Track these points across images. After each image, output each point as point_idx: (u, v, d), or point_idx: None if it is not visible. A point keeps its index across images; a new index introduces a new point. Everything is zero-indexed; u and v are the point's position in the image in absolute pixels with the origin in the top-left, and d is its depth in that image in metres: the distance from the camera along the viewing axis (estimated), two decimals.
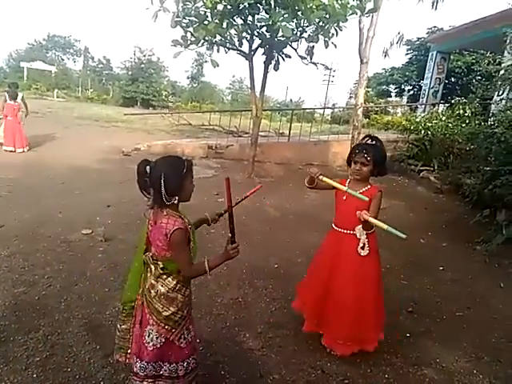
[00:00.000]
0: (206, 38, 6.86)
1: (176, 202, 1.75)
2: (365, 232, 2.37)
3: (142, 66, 38.69)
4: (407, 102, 24.69)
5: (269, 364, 2.49)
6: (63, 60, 58.96)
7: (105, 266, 3.63)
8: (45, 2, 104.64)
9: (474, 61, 20.53)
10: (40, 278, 3.30)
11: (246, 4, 6.39)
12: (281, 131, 12.93)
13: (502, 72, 6.72)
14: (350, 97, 38.33)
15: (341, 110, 25.85)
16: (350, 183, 2.51)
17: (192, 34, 6.90)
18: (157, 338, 1.80)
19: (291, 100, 52.66)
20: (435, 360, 2.69)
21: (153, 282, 1.81)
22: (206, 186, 6.63)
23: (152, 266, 1.82)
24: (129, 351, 1.93)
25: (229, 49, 7.49)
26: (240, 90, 55.67)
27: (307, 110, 22.09)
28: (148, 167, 1.71)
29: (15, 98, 9.09)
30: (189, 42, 6.97)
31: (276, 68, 7.76)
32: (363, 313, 2.48)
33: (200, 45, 7.10)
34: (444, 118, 10.01)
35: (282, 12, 6.42)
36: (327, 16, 6.41)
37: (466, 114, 9.83)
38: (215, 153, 10.12)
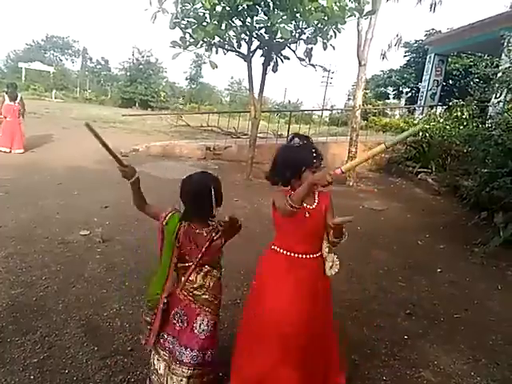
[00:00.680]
0: (205, 40, 6.87)
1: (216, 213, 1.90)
2: (331, 249, 1.96)
3: (141, 66, 38.70)
4: (405, 104, 24.74)
5: None
6: (61, 61, 58.83)
7: (102, 267, 3.62)
8: (43, 3, 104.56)
9: (471, 63, 20.59)
10: (37, 279, 3.29)
11: (244, 6, 6.39)
12: (279, 133, 12.94)
13: (499, 74, 6.74)
14: (349, 99, 38.37)
15: (339, 111, 25.90)
16: None
17: (191, 36, 6.91)
18: (207, 325, 1.92)
19: (289, 101, 52.69)
20: (433, 362, 2.70)
21: (201, 281, 1.94)
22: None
23: (198, 269, 1.94)
24: (147, 338, 2.01)
25: (227, 50, 7.49)
26: (238, 91, 55.70)
27: (305, 112, 22.14)
28: (196, 181, 1.92)
29: (15, 99, 9.06)
30: (187, 43, 6.97)
31: (274, 69, 7.77)
32: (327, 349, 2.07)
33: (199, 46, 7.10)
34: (442, 120, 10.05)
35: (281, 14, 6.43)
36: (326, 18, 6.42)
37: (464, 117, 9.88)
38: (213, 154, 10.13)
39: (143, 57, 39.38)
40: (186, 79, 50.21)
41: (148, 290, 2.13)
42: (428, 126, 9.84)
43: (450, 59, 16.85)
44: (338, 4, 6.42)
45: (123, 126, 16.35)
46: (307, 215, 1.90)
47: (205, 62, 40.82)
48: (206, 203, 1.83)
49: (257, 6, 6.61)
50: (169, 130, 15.96)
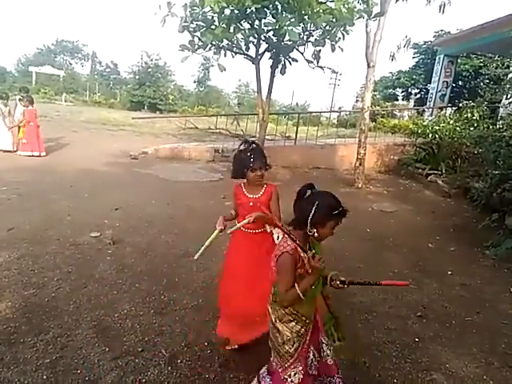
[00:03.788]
0: (214, 43, 6.91)
1: (312, 234, 1.73)
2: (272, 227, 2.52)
3: (149, 70, 39.00)
4: (414, 106, 24.58)
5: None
6: (71, 64, 59.58)
7: (113, 269, 3.65)
8: (53, 8, 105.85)
9: (481, 64, 20.42)
10: (49, 280, 3.33)
11: (252, 8, 6.42)
12: (287, 135, 12.96)
13: (510, 75, 6.70)
14: (357, 100, 38.30)
15: (347, 113, 25.82)
16: (247, 188, 2.56)
17: (199, 39, 6.96)
18: (272, 362, 1.81)
19: (297, 104, 52.66)
20: (444, 365, 2.67)
21: (269, 306, 1.82)
22: (213, 190, 6.66)
23: (272, 289, 1.82)
24: (286, 364, 1.82)
25: (236, 53, 7.53)
26: (246, 93, 55.80)
27: (313, 114, 22.07)
28: (310, 191, 1.79)
29: (32, 103, 9.23)
30: (196, 46, 7.02)
31: (282, 72, 7.78)
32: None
33: (207, 49, 7.15)
34: (452, 122, 9.95)
35: (289, 16, 6.44)
36: (334, 20, 6.42)
37: (474, 118, 9.78)
38: (222, 156, 10.16)
39: (152, 60, 39.68)
40: (194, 82, 50.46)
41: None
42: (438, 128, 9.76)
43: (459, 60, 16.70)
44: (346, 6, 6.41)
45: (132, 129, 16.50)
46: (251, 204, 2.49)
47: (213, 65, 41.01)
48: (305, 212, 1.75)
49: (265, 9, 6.63)
50: (177, 132, 16.05)
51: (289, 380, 1.77)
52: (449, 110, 13.01)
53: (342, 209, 1.75)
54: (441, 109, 13.24)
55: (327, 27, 6.74)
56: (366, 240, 5.24)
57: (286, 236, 1.70)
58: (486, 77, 20.91)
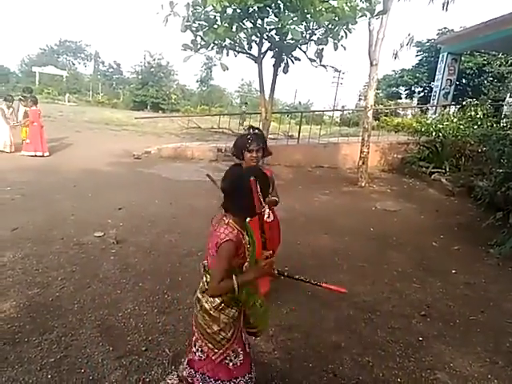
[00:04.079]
0: (216, 42, 6.92)
1: (247, 217, 1.76)
2: (267, 206, 2.79)
3: (152, 70, 39.06)
4: (417, 104, 24.51)
5: (280, 367, 2.48)
6: (74, 65, 59.83)
7: (117, 268, 3.66)
8: (56, 8, 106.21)
9: (485, 62, 20.35)
10: (53, 279, 3.34)
11: (255, 7, 6.42)
12: (290, 134, 12.93)
13: None
14: (360, 99, 38.16)
15: (350, 112, 25.77)
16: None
17: (202, 38, 6.96)
18: (200, 350, 1.77)
19: (300, 102, 52.62)
20: (449, 364, 2.66)
21: (199, 295, 1.76)
22: (215, 189, 6.65)
23: (204, 278, 1.76)
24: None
25: (238, 52, 7.53)
26: (249, 93, 55.77)
27: (316, 113, 22.02)
28: (240, 173, 1.72)
29: (36, 103, 9.28)
30: (199, 45, 7.03)
31: (285, 71, 7.77)
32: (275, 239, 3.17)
33: (210, 48, 7.16)
34: (455, 120, 9.92)
35: (292, 15, 6.44)
36: (336, 18, 6.41)
37: (478, 116, 9.74)
38: (224, 156, 10.16)
39: (154, 60, 39.74)
40: (197, 81, 50.49)
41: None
42: (441, 126, 9.72)
43: (463, 58, 16.63)
44: (348, 4, 6.40)
45: (135, 129, 16.53)
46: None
47: (215, 65, 41.07)
48: (244, 195, 1.68)
49: (267, 8, 6.63)
50: (180, 132, 16.08)
51: (230, 364, 1.76)
52: (452, 108, 12.95)
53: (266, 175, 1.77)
54: (444, 107, 13.16)
55: (330, 26, 6.73)
56: (370, 239, 5.23)
57: (228, 223, 1.67)
58: (490, 74, 20.84)
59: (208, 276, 1.72)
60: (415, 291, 3.75)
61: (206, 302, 1.71)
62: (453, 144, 9.37)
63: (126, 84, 48.47)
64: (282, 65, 7.73)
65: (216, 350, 1.73)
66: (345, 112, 25.89)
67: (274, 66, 7.80)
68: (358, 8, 6.59)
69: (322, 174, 9.78)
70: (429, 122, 10.54)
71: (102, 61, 60.00)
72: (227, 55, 7.46)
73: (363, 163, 8.62)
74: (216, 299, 1.69)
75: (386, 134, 12.49)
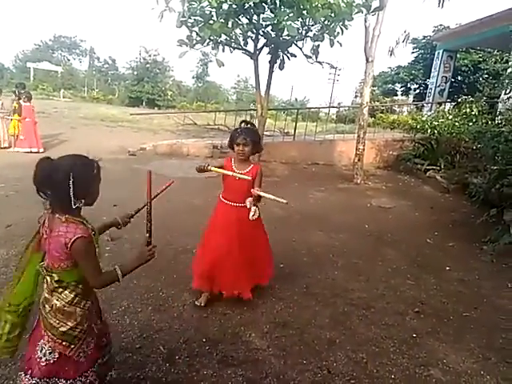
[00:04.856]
0: (212, 38, 6.87)
1: (81, 206, 1.61)
2: (254, 203, 2.77)
3: (148, 65, 38.90)
4: (413, 101, 24.56)
5: (275, 364, 2.49)
6: (69, 60, 59.42)
7: (112, 266, 3.61)
8: (51, 3, 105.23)
9: (480, 59, 20.40)
10: None
11: (251, 3, 6.38)
12: (286, 130, 12.91)
13: (509, 70, 6.68)
14: (356, 96, 38.22)
15: (346, 109, 25.79)
16: (236, 163, 2.95)
17: (197, 34, 6.92)
18: (50, 353, 1.64)
19: (296, 99, 52.58)
20: (442, 360, 2.68)
21: (47, 295, 1.66)
22: (211, 187, 6.61)
23: (47, 278, 1.64)
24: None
25: (234, 48, 7.49)
26: (245, 89, 55.67)
27: (312, 110, 22.00)
28: (51, 166, 1.53)
29: (30, 99, 9.19)
30: (194, 41, 6.99)
31: (281, 67, 7.75)
32: (258, 258, 3.10)
33: (205, 44, 7.11)
34: (451, 117, 9.95)
35: (287, 11, 6.41)
36: (332, 15, 6.39)
37: (473, 113, 9.77)
38: (220, 152, 10.13)
39: (150, 56, 39.58)
40: (193, 78, 50.38)
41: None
42: (437, 123, 9.75)
43: (458, 55, 16.65)
44: (344, 0, 6.38)
45: (131, 125, 16.45)
46: (237, 178, 2.71)
47: (211, 61, 40.90)
48: (61, 190, 1.55)
49: (263, 4, 6.60)
50: (176, 128, 16.02)
51: (82, 357, 1.70)
52: (448, 105, 12.99)
53: (95, 161, 1.66)
54: (440, 104, 13.21)
55: (326, 22, 6.71)
56: (365, 236, 5.24)
57: (67, 220, 1.56)
58: (485, 72, 20.91)
59: (54, 275, 1.62)
60: (409, 288, 3.77)
61: (58, 299, 1.63)
62: (448, 141, 9.40)
63: (122, 80, 48.27)
64: (278, 61, 7.70)
65: (72, 346, 1.66)
66: (341, 109, 25.92)
67: (269, 62, 7.77)
68: (354, 4, 6.56)
69: (317, 170, 9.79)
70: (424, 119, 10.57)
71: (97, 56, 59.73)
72: (223, 51, 7.42)
73: (359, 160, 8.63)
74: (70, 294, 1.64)
75: (381, 131, 12.52)
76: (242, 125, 3.00)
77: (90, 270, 1.63)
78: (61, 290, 1.64)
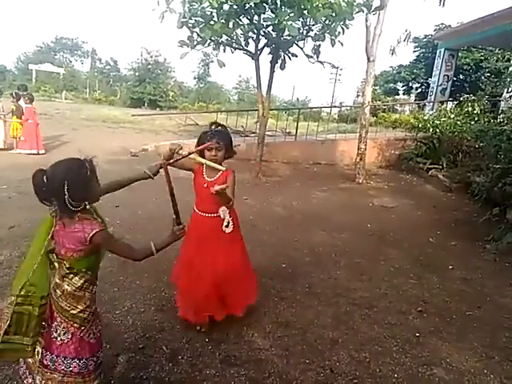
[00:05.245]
0: (213, 38, 6.88)
1: (87, 207, 1.72)
2: (228, 211, 2.47)
3: (149, 67, 38.99)
4: (415, 100, 24.52)
5: (277, 363, 2.49)
6: (71, 62, 59.55)
7: (114, 266, 3.65)
8: (52, 5, 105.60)
9: (482, 57, 20.35)
10: None
11: (251, 4, 6.39)
12: (288, 130, 12.92)
13: (511, 69, 6.65)
14: (357, 95, 38.21)
15: (348, 108, 25.79)
16: (206, 170, 2.60)
17: (198, 35, 6.93)
18: (64, 333, 1.76)
19: (298, 99, 52.61)
20: (445, 360, 2.67)
21: (58, 281, 1.75)
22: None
23: (56, 264, 1.75)
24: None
25: (235, 49, 7.49)
26: (246, 89, 55.69)
27: (314, 109, 22.02)
28: (45, 177, 1.60)
29: (32, 101, 9.22)
30: (195, 42, 6.99)
31: (282, 67, 7.75)
32: (232, 283, 2.62)
33: (206, 45, 7.12)
34: (452, 116, 9.93)
35: (288, 11, 6.41)
36: (333, 14, 6.38)
37: (475, 112, 9.75)
38: None
39: (151, 57, 39.67)
40: (194, 78, 50.42)
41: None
42: (438, 122, 9.73)
43: (460, 54, 16.63)
44: (345, 0, 6.37)
45: (133, 126, 16.49)
46: (205, 185, 2.54)
47: (212, 61, 40.88)
48: (60, 199, 1.62)
49: (264, 4, 6.60)
50: (177, 129, 16.05)
51: (92, 339, 1.82)
52: (450, 104, 12.95)
53: (87, 160, 1.74)
54: (442, 103, 13.18)
55: (327, 22, 6.70)
56: (367, 235, 5.24)
57: (80, 218, 1.68)
58: (487, 70, 20.86)
59: (65, 262, 1.71)
60: (412, 287, 3.77)
61: (68, 284, 1.73)
62: (450, 140, 9.38)
63: (123, 81, 48.35)
64: (279, 61, 7.70)
65: (83, 328, 1.77)
66: (342, 108, 25.92)
67: (271, 62, 7.78)
68: (355, 4, 6.56)
69: (319, 170, 9.79)
70: (426, 117, 10.54)
71: (98, 58, 59.83)
72: (224, 52, 7.42)
73: (360, 159, 8.62)
74: (80, 280, 1.75)
75: (383, 131, 12.50)
76: (213, 127, 2.70)
77: (124, 252, 1.85)
78: (71, 276, 1.74)
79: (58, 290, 1.75)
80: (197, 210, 2.68)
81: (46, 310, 1.77)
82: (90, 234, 1.65)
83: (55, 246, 1.74)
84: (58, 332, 1.76)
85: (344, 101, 47.23)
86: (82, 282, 1.75)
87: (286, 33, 6.73)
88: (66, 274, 1.73)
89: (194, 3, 6.62)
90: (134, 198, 5.72)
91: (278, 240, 4.74)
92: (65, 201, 1.60)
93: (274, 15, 6.60)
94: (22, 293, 1.70)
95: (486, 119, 9.25)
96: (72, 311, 1.75)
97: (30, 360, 1.80)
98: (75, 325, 1.76)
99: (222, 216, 2.48)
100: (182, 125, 16.28)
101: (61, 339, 1.76)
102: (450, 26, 20.46)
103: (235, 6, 6.45)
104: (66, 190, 1.59)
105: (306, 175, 9.10)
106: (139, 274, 3.54)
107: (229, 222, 2.51)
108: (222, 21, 6.49)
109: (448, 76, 14.18)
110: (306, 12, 6.43)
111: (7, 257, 3.65)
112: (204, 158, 2.53)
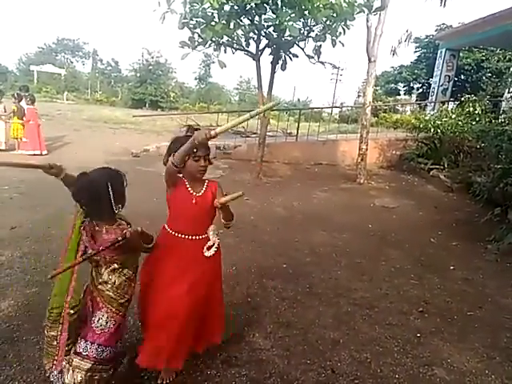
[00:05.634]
0: (214, 39, 6.89)
1: (120, 211, 1.89)
2: (217, 232, 2.11)
3: (150, 67, 39.04)
4: (416, 100, 24.48)
5: (278, 364, 2.49)
6: (72, 63, 59.61)
7: None
8: (54, 6, 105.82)
9: (483, 58, 20.30)
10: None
11: (252, 4, 6.40)
12: (288, 131, 12.93)
13: None
14: (358, 95, 38.20)
15: (349, 109, 25.78)
16: (191, 184, 2.09)
17: (199, 35, 6.94)
18: (107, 323, 1.91)
19: (299, 100, 52.58)
20: (446, 360, 2.67)
21: (105, 277, 1.93)
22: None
23: (104, 267, 1.94)
24: (56, 358, 1.88)
25: (236, 49, 7.50)
26: (247, 90, 55.69)
27: (315, 110, 22.04)
28: (90, 179, 1.80)
29: (34, 102, 9.24)
30: (196, 43, 7.01)
31: (283, 68, 7.75)
32: (210, 314, 2.28)
33: (207, 46, 7.13)
34: (454, 116, 9.92)
35: (289, 12, 6.42)
36: (334, 15, 6.39)
37: (476, 112, 9.74)
38: (223, 153, 10.16)
39: (153, 58, 39.73)
40: (195, 79, 50.43)
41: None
42: (440, 122, 9.72)
43: (461, 54, 16.60)
44: (346, 0, 6.37)
45: (134, 127, 16.51)
46: (194, 202, 2.07)
47: (213, 62, 41.03)
48: (103, 203, 1.82)
49: (265, 5, 6.60)
50: (179, 130, 16.04)
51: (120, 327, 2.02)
52: (451, 105, 12.94)
53: (123, 173, 1.98)
54: (443, 103, 13.16)
55: (328, 22, 6.70)
56: (368, 236, 5.24)
57: (115, 228, 1.89)
58: (488, 70, 20.81)
59: (115, 264, 1.93)
60: (413, 287, 3.77)
61: (118, 277, 1.94)
62: (451, 140, 9.37)
63: (125, 82, 48.42)
64: (280, 62, 7.71)
65: (124, 315, 2.02)
66: (343, 109, 25.91)
67: (271, 62, 7.78)
68: (356, 4, 6.56)
69: (320, 170, 9.79)
70: (427, 118, 10.53)
71: (100, 59, 59.92)
72: (225, 52, 7.43)
73: (362, 160, 8.62)
74: (129, 271, 1.99)
75: (384, 131, 12.50)
76: (189, 132, 2.04)
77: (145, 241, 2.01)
78: (121, 269, 1.96)
79: (108, 285, 1.93)
80: (173, 232, 2.14)
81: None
82: (122, 235, 1.78)
83: (93, 250, 1.85)
84: (101, 321, 1.90)
85: (345, 101, 47.29)
86: (130, 273, 1.99)
87: (287, 33, 6.74)
88: (115, 268, 1.93)
89: (195, 4, 6.63)
90: (134, 198, 5.72)
91: (278, 240, 4.74)
92: (109, 202, 1.79)
93: (274, 16, 6.61)
94: (73, 304, 1.89)
95: (487, 119, 9.23)
96: (120, 300, 1.94)
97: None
98: (120, 313, 1.95)
99: (211, 237, 2.09)
100: (184, 125, 16.29)
101: (101, 328, 1.89)
102: (451, 26, 20.45)
103: (236, 7, 6.46)
104: (112, 192, 1.79)
105: (306, 175, 9.10)
106: (139, 274, 3.54)
107: (213, 244, 2.08)
108: (223, 21, 6.50)
109: (449, 76, 14.16)
110: (306, 12, 6.44)
111: (9, 257, 3.66)
112: (185, 171, 2.06)
